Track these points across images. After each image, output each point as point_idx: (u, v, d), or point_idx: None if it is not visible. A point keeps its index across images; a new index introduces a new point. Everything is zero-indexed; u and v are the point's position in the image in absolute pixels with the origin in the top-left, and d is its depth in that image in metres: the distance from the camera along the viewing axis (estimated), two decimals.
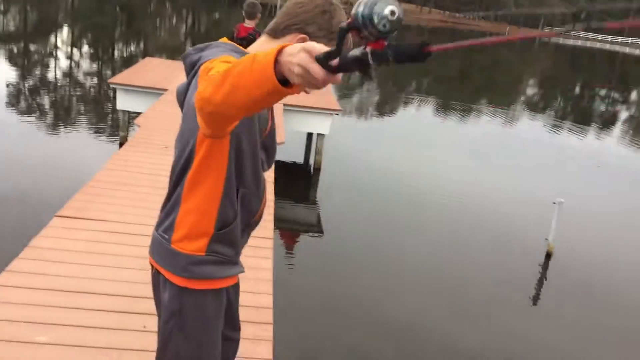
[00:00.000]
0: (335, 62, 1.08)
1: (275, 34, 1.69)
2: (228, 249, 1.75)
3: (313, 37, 1.63)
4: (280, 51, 1.16)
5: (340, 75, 1.11)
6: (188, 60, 1.73)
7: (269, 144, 1.85)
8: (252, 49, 1.73)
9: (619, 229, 8.06)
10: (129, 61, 17.62)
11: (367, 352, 4.43)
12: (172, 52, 20.31)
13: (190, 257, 1.68)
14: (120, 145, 8.29)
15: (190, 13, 45.95)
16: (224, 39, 1.80)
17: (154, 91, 8.24)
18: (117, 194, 4.40)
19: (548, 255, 6.60)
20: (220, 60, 1.42)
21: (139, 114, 8.32)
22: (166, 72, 9.41)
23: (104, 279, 3.20)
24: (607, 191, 9.93)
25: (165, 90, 8.26)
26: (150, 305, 2.62)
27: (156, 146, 5.74)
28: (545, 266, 6.49)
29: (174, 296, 1.71)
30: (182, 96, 1.75)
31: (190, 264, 1.68)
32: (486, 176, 9.99)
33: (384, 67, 1.02)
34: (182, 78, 1.81)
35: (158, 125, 6.54)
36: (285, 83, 1.17)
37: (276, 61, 1.16)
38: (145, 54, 19.82)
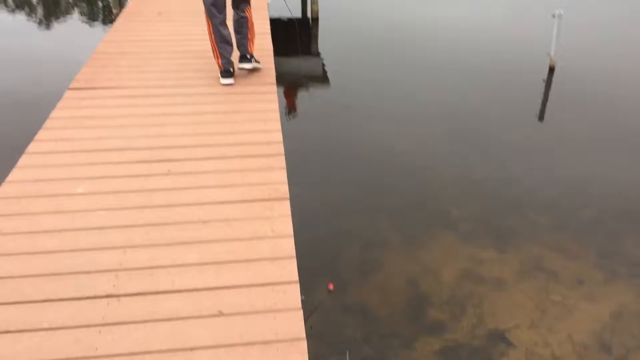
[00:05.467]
0: None
1: None
2: None
3: None
4: None
5: None
6: None
7: None
8: None
9: (622, 38, 7.97)
10: None
11: (376, 186, 4.51)
12: None
13: None
14: None
15: None
16: None
17: None
18: (121, 62, 4.54)
19: (551, 70, 6.66)
20: None
21: None
22: None
23: (127, 137, 3.42)
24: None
25: None
26: (172, 153, 3.00)
27: (149, 14, 5.76)
28: (549, 81, 6.55)
29: None
30: None
31: None
32: None
33: None
34: None
35: None
36: None
37: None
38: None
